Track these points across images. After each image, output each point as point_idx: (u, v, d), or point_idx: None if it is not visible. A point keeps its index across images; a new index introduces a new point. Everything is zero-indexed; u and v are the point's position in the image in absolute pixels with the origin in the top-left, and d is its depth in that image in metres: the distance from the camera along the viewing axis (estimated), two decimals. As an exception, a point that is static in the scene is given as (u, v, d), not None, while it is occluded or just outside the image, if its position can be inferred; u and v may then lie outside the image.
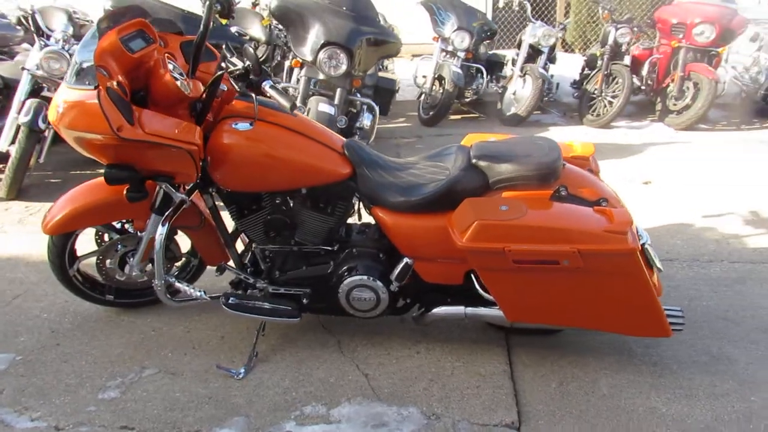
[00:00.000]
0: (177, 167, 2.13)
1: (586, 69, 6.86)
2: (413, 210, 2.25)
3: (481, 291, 2.29)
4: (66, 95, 2.03)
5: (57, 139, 4.43)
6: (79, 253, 2.67)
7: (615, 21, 6.21)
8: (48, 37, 4.50)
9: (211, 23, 2.37)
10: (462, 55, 6.26)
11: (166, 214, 2.31)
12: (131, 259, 2.59)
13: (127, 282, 2.70)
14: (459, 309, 2.35)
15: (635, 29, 6.23)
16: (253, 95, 2.06)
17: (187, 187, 2.41)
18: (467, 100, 6.74)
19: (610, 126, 6.11)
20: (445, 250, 2.25)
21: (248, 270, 2.49)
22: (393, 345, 2.52)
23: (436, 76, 6.29)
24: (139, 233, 2.52)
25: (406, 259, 2.28)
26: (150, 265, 2.58)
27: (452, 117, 6.73)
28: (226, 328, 2.66)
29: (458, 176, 2.22)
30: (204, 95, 2.16)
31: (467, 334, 2.59)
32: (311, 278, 2.41)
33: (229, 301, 2.39)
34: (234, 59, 3.80)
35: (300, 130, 2.27)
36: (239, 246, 2.57)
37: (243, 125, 2.19)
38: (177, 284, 2.43)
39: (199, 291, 2.41)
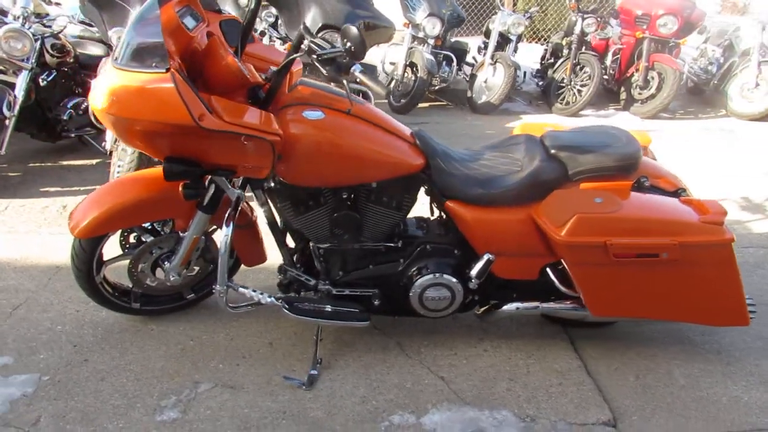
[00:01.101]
0: (250, 160, 1.91)
1: (550, 58, 6.96)
2: (493, 203, 2.15)
3: (560, 286, 2.22)
4: (121, 79, 1.77)
5: (18, 127, 4.00)
6: (104, 258, 2.38)
7: (581, 11, 6.31)
8: (5, 14, 4.04)
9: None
10: (432, 42, 6.18)
11: (229, 212, 2.09)
12: (166, 263, 2.34)
13: (156, 287, 2.44)
14: (533, 305, 2.28)
15: (599, 19, 6.36)
16: (345, 81, 1.87)
17: (237, 183, 2.19)
18: (435, 88, 6.67)
19: (579, 114, 6.24)
20: (524, 245, 2.17)
21: (300, 270, 2.30)
22: (456, 344, 2.42)
23: (407, 63, 6.17)
24: (180, 233, 2.27)
25: (487, 255, 2.17)
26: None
27: (420, 105, 6.64)
28: (272, 334, 2.46)
29: (540, 167, 2.14)
30: (272, 80, 1.96)
31: (525, 329, 2.52)
32: (379, 278, 2.26)
33: (294, 306, 2.19)
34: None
35: (371, 119, 2.11)
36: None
37: (314, 114, 2.01)
38: (241, 289, 2.21)
39: (270, 296, 2.20)
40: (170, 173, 1.92)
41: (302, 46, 1.90)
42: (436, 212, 2.40)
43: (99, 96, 1.80)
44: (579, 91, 6.21)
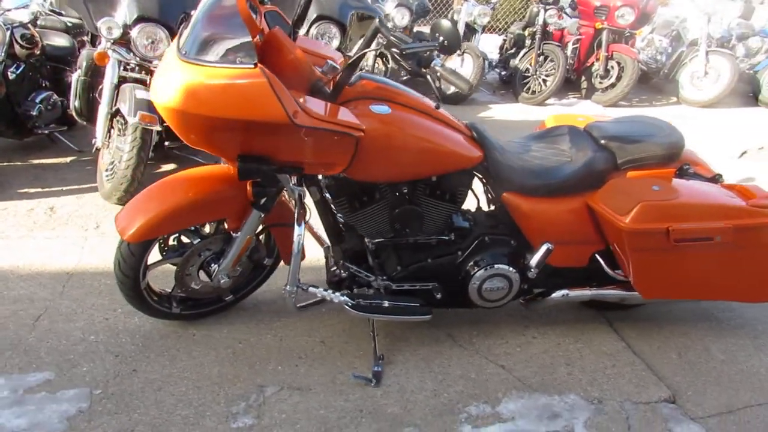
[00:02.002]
0: (328, 156, 1.88)
1: (511, 48, 7.11)
2: (550, 194, 2.21)
3: (610, 271, 2.30)
4: (197, 74, 1.68)
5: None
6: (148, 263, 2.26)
7: (543, 2, 6.49)
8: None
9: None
10: (400, 32, 6.17)
11: (299, 211, 2.04)
12: (213, 265, 2.26)
13: (200, 291, 2.35)
14: (583, 292, 2.35)
15: (560, 10, 6.55)
16: (429, 76, 1.86)
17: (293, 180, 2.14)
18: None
19: (545, 104, 6.42)
20: (578, 233, 2.25)
21: (346, 266, 2.27)
22: (504, 333, 2.47)
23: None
24: (233, 234, 2.19)
25: (547, 245, 2.22)
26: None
27: (388, 95, 6.63)
28: (321, 332, 2.43)
29: (594, 157, 2.21)
30: (340, 73, 1.92)
31: (564, 314, 2.60)
32: (437, 271, 2.26)
33: (358, 303, 2.17)
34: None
35: (431, 113, 2.10)
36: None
37: (380, 108, 1.99)
38: (311, 289, 2.16)
39: (340, 294, 2.17)
40: (245, 172, 1.85)
41: (379, 40, 1.87)
42: (481, 204, 2.42)
43: (167, 91, 1.72)
44: (544, 81, 6.39)
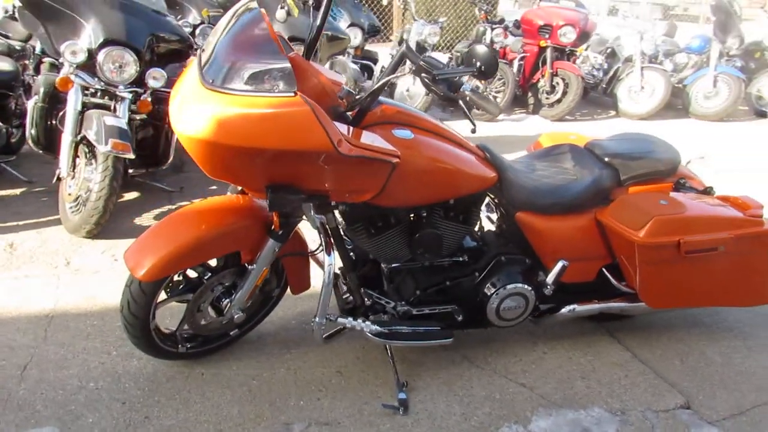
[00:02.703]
0: (362, 182, 1.85)
1: (458, 66, 7.25)
2: (563, 211, 2.26)
3: (618, 284, 2.37)
4: (229, 104, 1.61)
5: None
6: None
7: (489, 22, 6.69)
8: None
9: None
10: (352, 51, 6.21)
11: (326, 240, 1.99)
12: (225, 300, 2.17)
13: (208, 327, 2.25)
14: (592, 306, 2.41)
15: (505, 29, 6.78)
16: (460, 101, 1.86)
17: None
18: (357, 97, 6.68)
19: (496, 120, 6.59)
20: (588, 249, 2.31)
21: (368, 293, 2.23)
22: (516, 350, 2.49)
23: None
24: (248, 266, 2.11)
25: (562, 262, 2.27)
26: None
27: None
28: (335, 362, 2.37)
29: (600, 175, 2.28)
30: (363, 99, 1.90)
31: (567, 329, 2.65)
32: (456, 293, 2.26)
33: (381, 331, 2.13)
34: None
35: (448, 136, 2.11)
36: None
37: (404, 133, 1.98)
38: (339, 320, 2.10)
39: (367, 323, 2.11)
40: (277, 203, 1.79)
41: (408, 65, 1.86)
42: (486, 223, 2.45)
43: (196, 122, 1.64)
44: (494, 97, 6.57)
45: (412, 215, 2.16)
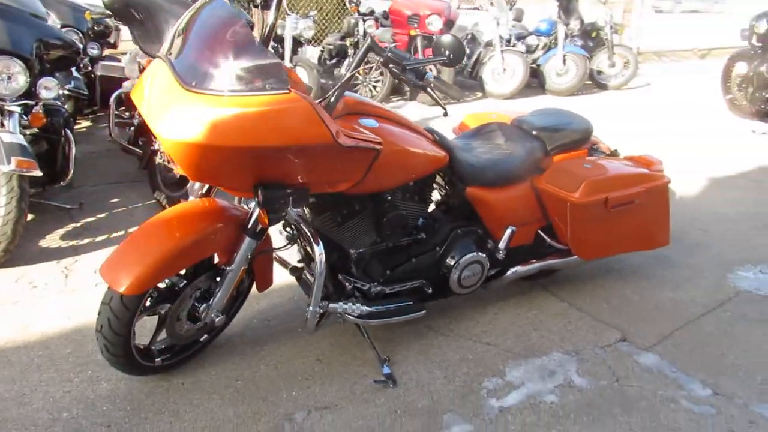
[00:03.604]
0: (347, 172, 1.94)
1: (332, 58, 7.37)
2: (506, 183, 2.50)
3: (554, 243, 2.68)
4: (224, 106, 1.63)
5: None
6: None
7: (361, 13, 6.88)
8: None
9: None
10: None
11: (312, 232, 2.04)
12: (203, 304, 2.15)
13: (184, 335, 2.22)
14: (534, 265, 2.69)
15: (377, 20, 7.01)
16: (428, 89, 1.99)
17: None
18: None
19: (377, 108, 6.80)
20: (528, 214, 2.59)
21: (347, 278, 2.33)
22: (471, 314, 2.71)
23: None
24: (227, 268, 2.11)
25: (511, 227, 2.51)
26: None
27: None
28: (311, 350, 2.44)
29: (533, 147, 2.56)
30: (335, 92, 1.99)
31: (509, 291, 2.90)
32: (421, 269, 2.42)
33: (362, 312, 2.23)
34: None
35: (404, 122, 2.26)
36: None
37: (369, 122, 2.09)
38: (331, 305, 2.16)
39: (356, 305, 2.19)
40: (270, 200, 1.83)
41: (376, 57, 1.97)
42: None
43: (182, 126, 1.64)
44: (374, 87, 6.78)
45: (378, 200, 2.26)
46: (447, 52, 1.95)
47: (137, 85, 1.94)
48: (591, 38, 8.34)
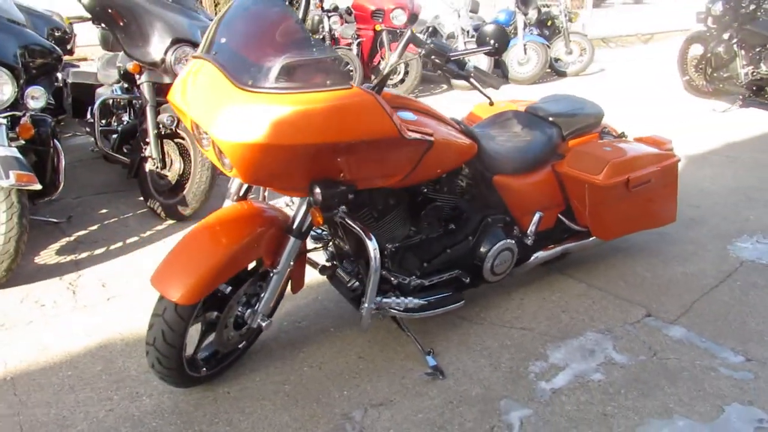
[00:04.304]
0: (399, 166, 1.93)
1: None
2: (529, 169, 2.54)
3: (574, 226, 2.74)
4: (289, 103, 1.60)
5: None
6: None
7: (325, 10, 6.83)
8: None
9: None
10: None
11: (359, 227, 2.02)
12: (247, 309, 2.11)
13: (230, 342, 2.17)
14: (556, 249, 2.75)
15: (342, 16, 6.97)
16: (472, 78, 1.99)
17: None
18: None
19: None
20: (550, 199, 2.64)
21: (392, 273, 2.32)
22: (498, 302, 2.74)
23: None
24: (272, 272, 2.06)
25: (539, 213, 2.55)
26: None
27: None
28: (351, 349, 2.42)
29: (551, 133, 2.61)
30: (376, 86, 1.98)
31: (529, 276, 2.94)
32: (457, 259, 2.43)
33: (408, 306, 2.23)
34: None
35: (436, 114, 2.27)
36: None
37: (407, 115, 2.08)
38: (384, 300, 2.14)
39: (408, 299, 2.18)
40: (328, 197, 1.80)
41: (419, 50, 1.96)
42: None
43: (244, 127, 1.61)
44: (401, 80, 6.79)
45: (413, 194, 2.26)
46: (492, 41, 1.96)
47: (175, 87, 1.88)
48: (547, 27, 8.53)
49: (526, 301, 2.75)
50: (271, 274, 2.06)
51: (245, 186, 2.14)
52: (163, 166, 3.63)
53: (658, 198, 2.79)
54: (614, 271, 3.00)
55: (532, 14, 7.95)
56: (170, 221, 3.67)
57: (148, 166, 3.70)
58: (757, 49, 5.83)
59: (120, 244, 3.41)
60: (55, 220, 3.67)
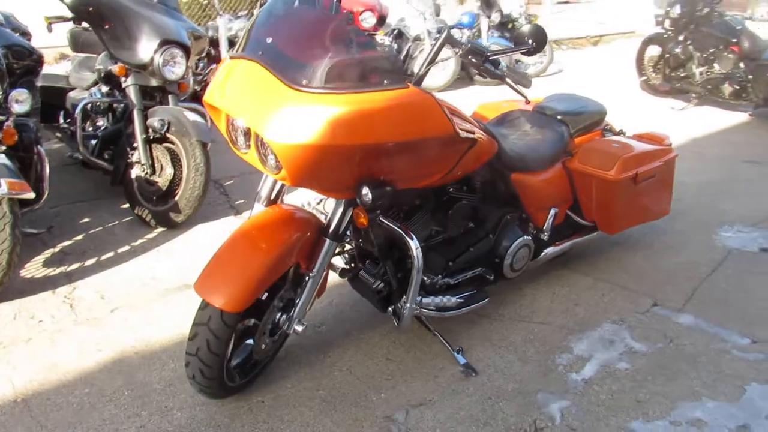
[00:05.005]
0: (442, 164, 1.94)
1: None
2: (543, 167, 2.60)
3: (582, 221, 2.81)
4: (349, 104, 1.59)
5: None
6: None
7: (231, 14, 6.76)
8: None
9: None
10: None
11: (398, 227, 2.01)
12: (281, 314, 2.07)
13: (265, 350, 2.12)
14: (564, 245, 2.82)
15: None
16: (507, 78, 2.01)
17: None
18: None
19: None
20: (562, 195, 2.70)
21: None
22: (511, 298, 2.79)
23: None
24: (308, 275, 2.03)
25: (554, 209, 2.61)
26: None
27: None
28: (378, 351, 2.41)
29: (562, 131, 2.67)
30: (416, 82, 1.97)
31: (535, 273, 2.98)
32: (479, 257, 2.46)
33: (439, 305, 2.24)
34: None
35: (461, 113, 2.28)
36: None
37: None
38: (425, 300, 2.14)
39: (446, 298, 2.19)
40: (379, 198, 1.79)
41: (455, 50, 1.97)
42: None
43: (302, 128, 1.58)
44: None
45: (440, 193, 2.27)
46: (530, 41, 1.99)
47: (212, 88, 1.83)
48: (507, 29, 8.71)
49: (538, 296, 2.80)
50: (307, 278, 2.02)
51: (276, 189, 2.10)
52: (153, 172, 3.51)
53: (659, 192, 2.90)
54: (615, 264, 3.10)
55: (495, 17, 8.10)
56: (161, 229, 3.54)
57: (136, 172, 3.57)
58: (711, 50, 6.13)
59: (111, 253, 3.28)
60: (35, 231, 3.48)
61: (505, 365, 2.31)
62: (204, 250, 3.28)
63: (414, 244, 2.00)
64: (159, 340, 2.49)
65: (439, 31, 6.69)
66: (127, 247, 3.35)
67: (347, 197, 1.90)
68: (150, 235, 3.50)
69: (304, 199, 2.50)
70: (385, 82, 1.63)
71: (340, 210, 1.98)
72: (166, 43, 3.45)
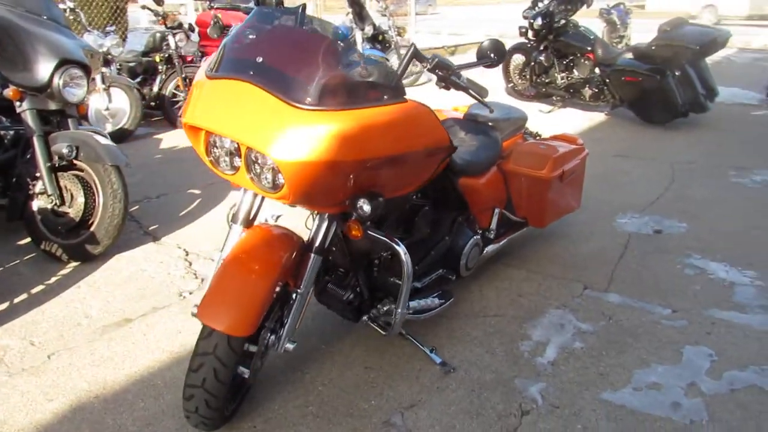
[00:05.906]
0: (422, 174, 2.03)
1: (141, 76, 6.81)
2: (484, 171, 2.79)
3: (514, 218, 3.05)
4: (346, 121, 1.63)
5: None
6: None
7: (168, 28, 6.50)
8: None
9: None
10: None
11: (388, 238, 2.06)
12: (271, 335, 2.05)
13: (258, 373, 2.08)
14: (502, 242, 3.03)
15: (186, 33, 6.69)
16: (468, 88, 2.13)
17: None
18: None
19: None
20: (498, 196, 2.92)
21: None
22: (462, 295, 2.93)
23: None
24: (295, 293, 2.02)
25: (497, 210, 2.80)
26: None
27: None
28: (355, 362, 2.44)
29: (495, 137, 2.89)
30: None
31: (476, 271, 3.18)
32: (440, 259, 2.58)
33: (414, 308, 2.33)
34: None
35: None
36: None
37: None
38: (416, 303, 2.19)
39: (425, 301, 2.25)
40: (375, 209, 1.83)
41: (423, 65, 2.07)
42: None
43: (304, 146, 1.61)
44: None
45: (403, 201, 2.36)
46: (492, 54, 2.13)
47: (192, 109, 1.78)
48: (379, 41, 9.00)
49: (484, 291, 2.98)
50: (295, 295, 2.01)
51: (253, 211, 2.07)
52: (62, 203, 3.23)
53: (576, 187, 3.22)
54: (540, 255, 3.37)
55: (368, 30, 8.34)
56: (74, 263, 3.27)
57: (39, 204, 3.26)
58: (570, 58, 6.82)
59: (24, 295, 2.97)
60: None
61: (476, 358, 2.44)
62: (132, 280, 3.09)
63: (402, 250, 2.07)
64: (116, 381, 2.32)
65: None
66: (41, 287, 3.05)
67: (339, 211, 1.92)
68: (64, 271, 3.21)
69: (261, 217, 2.46)
70: (385, 97, 1.69)
71: (325, 224, 2.00)
72: (65, 63, 3.20)
